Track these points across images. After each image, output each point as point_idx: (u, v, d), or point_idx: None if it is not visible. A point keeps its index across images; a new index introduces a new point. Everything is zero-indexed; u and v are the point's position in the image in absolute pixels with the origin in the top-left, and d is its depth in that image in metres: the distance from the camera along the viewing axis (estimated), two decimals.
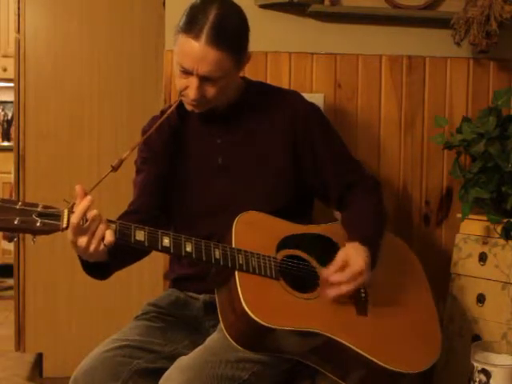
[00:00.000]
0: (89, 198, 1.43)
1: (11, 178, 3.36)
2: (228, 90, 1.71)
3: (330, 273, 1.60)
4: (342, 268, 1.60)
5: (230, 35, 1.63)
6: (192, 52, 1.61)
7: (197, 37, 1.59)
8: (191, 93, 1.65)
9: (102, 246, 1.44)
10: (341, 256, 1.62)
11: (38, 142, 2.95)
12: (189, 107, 1.72)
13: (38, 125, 2.95)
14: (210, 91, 1.66)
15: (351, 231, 1.71)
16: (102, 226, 1.43)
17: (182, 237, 1.52)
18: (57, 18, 2.95)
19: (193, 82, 1.64)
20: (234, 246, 1.58)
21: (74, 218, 1.40)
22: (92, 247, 1.44)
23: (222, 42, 1.60)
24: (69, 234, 1.42)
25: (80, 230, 1.41)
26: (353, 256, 1.62)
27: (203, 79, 1.64)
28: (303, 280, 1.64)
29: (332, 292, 1.59)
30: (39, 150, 2.95)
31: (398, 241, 1.88)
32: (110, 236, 1.44)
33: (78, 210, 1.41)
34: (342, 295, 1.59)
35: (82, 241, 1.42)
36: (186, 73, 1.64)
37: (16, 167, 2.96)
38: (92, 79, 2.97)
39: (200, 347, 1.58)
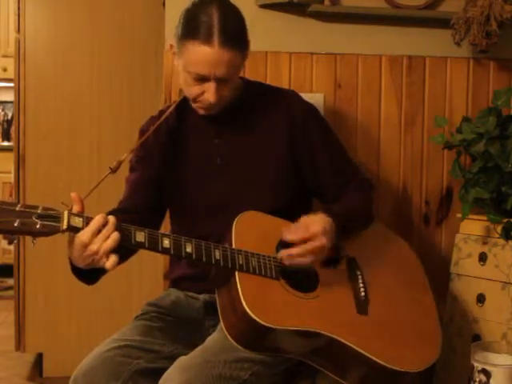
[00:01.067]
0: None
1: (11, 177, 3.36)
2: (234, 88, 1.72)
3: (286, 233, 1.60)
4: (300, 230, 1.60)
5: (237, 34, 1.64)
6: (207, 58, 1.60)
7: (208, 41, 1.59)
8: (211, 97, 1.65)
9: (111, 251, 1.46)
10: (303, 220, 1.62)
11: (38, 142, 2.95)
12: (202, 111, 1.72)
13: (38, 125, 2.95)
14: (226, 91, 1.67)
15: (324, 208, 1.71)
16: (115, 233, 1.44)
17: (182, 238, 1.52)
18: (57, 18, 2.95)
19: (211, 86, 1.63)
20: (234, 246, 1.58)
21: (95, 224, 1.42)
22: (102, 251, 1.44)
23: (232, 42, 1.61)
24: (84, 236, 1.42)
25: (95, 235, 1.42)
26: (314, 222, 1.61)
27: (220, 81, 1.63)
28: (303, 279, 1.64)
29: (284, 252, 1.59)
30: (39, 150, 2.95)
31: (398, 240, 1.88)
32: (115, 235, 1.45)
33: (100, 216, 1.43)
34: (294, 257, 1.59)
35: (94, 245, 1.43)
36: (202, 79, 1.64)
37: (16, 167, 2.96)
38: (92, 79, 2.97)
39: (200, 347, 1.58)
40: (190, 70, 1.63)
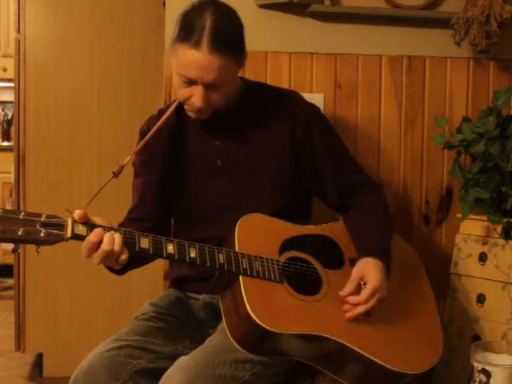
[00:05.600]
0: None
1: (11, 177, 3.36)
2: (230, 92, 1.71)
3: (347, 293, 1.61)
4: (359, 287, 1.61)
5: (230, 39, 1.61)
6: (195, 62, 1.58)
7: (197, 45, 1.57)
8: (197, 101, 1.63)
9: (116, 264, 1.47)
10: (356, 274, 1.63)
11: (38, 142, 2.95)
12: (193, 115, 1.70)
13: (38, 125, 2.95)
14: (215, 97, 1.65)
15: (362, 244, 1.71)
16: (116, 248, 1.43)
17: (185, 243, 1.51)
18: (57, 17, 2.95)
19: (198, 90, 1.62)
20: (237, 249, 1.57)
21: (87, 243, 1.41)
22: (107, 263, 1.47)
23: (223, 48, 1.58)
24: (83, 250, 1.43)
25: (93, 251, 1.43)
26: (368, 273, 1.62)
27: (208, 86, 1.62)
28: (306, 282, 1.64)
29: (350, 314, 1.59)
30: (39, 150, 2.95)
31: (400, 242, 1.87)
32: (124, 256, 1.45)
33: (91, 239, 1.42)
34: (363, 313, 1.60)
35: (96, 258, 1.43)
36: (190, 82, 1.62)
37: (16, 167, 2.96)
38: (92, 79, 2.97)
39: (200, 347, 1.58)
40: (180, 72, 1.62)
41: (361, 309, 1.59)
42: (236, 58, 1.64)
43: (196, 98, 1.63)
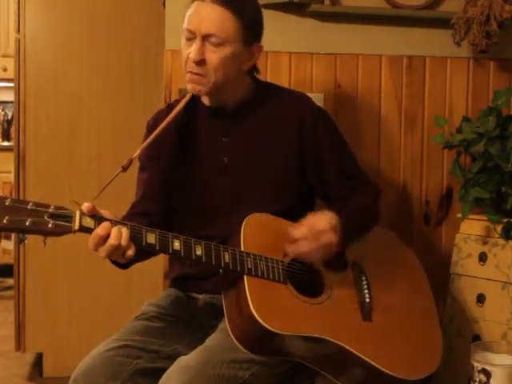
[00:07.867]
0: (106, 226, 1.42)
1: (11, 177, 3.36)
2: (230, 73, 1.69)
3: (293, 230, 1.60)
4: (307, 226, 1.60)
5: (240, 1, 1.67)
6: (197, 11, 1.65)
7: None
8: (193, 54, 1.64)
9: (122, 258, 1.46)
10: (308, 217, 1.62)
11: (38, 142, 2.95)
12: (190, 85, 1.69)
13: (38, 125, 2.95)
14: (212, 57, 1.65)
15: (329, 207, 1.71)
16: (123, 243, 1.42)
17: (191, 240, 1.51)
18: (57, 18, 2.95)
19: (195, 43, 1.65)
20: (242, 248, 1.57)
21: (95, 236, 1.41)
22: (113, 258, 1.46)
23: (227, 1, 1.63)
24: (89, 243, 1.42)
25: (100, 245, 1.42)
26: (319, 218, 1.62)
27: (205, 39, 1.64)
28: (309, 284, 1.63)
29: (291, 248, 1.59)
30: (39, 150, 2.95)
31: (404, 247, 1.87)
32: (130, 251, 1.44)
33: (98, 233, 1.41)
34: (303, 253, 1.59)
35: (102, 252, 1.43)
36: (191, 38, 1.65)
37: (16, 167, 2.96)
38: (92, 79, 2.97)
39: (200, 347, 1.57)
40: (183, 27, 1.67)
41: (301, 244, 1.58)
42: (240, 20, 1.65)
43: (193, 52, 1.65)
